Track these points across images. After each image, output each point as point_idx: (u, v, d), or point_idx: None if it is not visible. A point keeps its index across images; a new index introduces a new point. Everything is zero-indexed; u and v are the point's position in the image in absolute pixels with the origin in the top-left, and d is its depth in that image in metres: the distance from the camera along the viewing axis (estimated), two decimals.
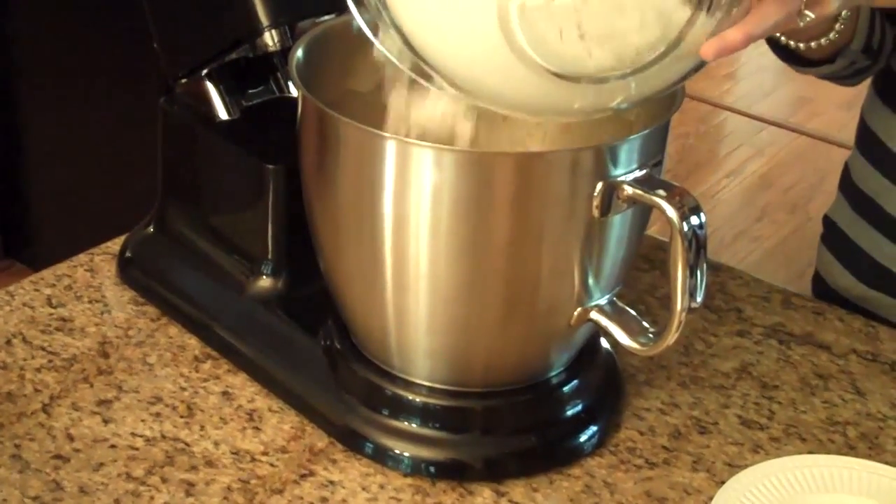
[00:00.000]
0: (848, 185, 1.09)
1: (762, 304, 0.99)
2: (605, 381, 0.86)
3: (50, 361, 0.87)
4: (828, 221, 1.12)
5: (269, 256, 0.89)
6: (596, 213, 0.73)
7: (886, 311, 1.05)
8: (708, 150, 3.28)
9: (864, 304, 1.06)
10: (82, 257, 0.98)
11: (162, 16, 0.92)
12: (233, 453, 0.80)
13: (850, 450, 0.85)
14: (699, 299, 0.73)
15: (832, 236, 1.11)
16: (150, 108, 0.94)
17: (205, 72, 0.90)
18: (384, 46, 0.72)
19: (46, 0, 2.18)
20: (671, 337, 0.74)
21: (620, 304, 0.80)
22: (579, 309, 0.78)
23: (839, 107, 3.45)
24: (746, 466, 0.81)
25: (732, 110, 3.46)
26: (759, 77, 3.60)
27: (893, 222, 1.03)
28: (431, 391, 0.81)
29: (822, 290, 1.12)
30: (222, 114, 0.90)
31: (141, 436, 0.81)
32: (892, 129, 1.02)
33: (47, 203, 2.36)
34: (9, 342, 0.88)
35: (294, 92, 0.89)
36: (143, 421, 0.82)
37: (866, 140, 1.06)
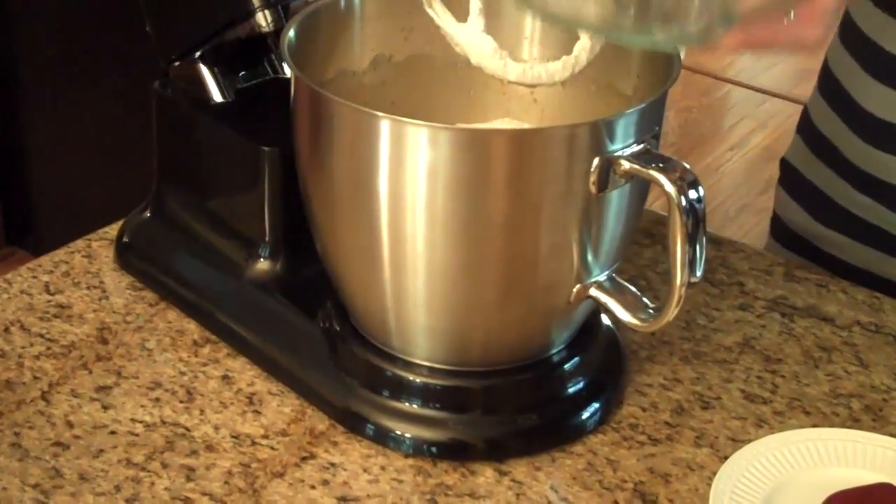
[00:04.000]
0: (806, 127, 1.11)
1: (764, 277, 0.98)
2: (607, 358, 0.86)
3: (48, 348, 0.87)
4: (784, 163, 1.14)
5: (267, 239, 0.88)
6: (593, 188, 0.73)
7: (839, 251, 1.06)
8: (711, 124, 3.27)
9: (818, 242, 1.08)
10: (80, 243, 0.97)
11: None
12: (233, 437, 0.80)
13: (854, 422, 0.84)
14: (699, 274, 0.73)
15: (789, 177, 1.13)
16: (148, 93, 0.93)
17: (198, 54, 0.89)
18: None
19: None
20: (671, 312, 0.74)
21: (620, 280, 0.79)
22: (578, 286, 0.77)
23: None
24: (750, 441, 0.80)
25: (735, 83, 3.45)
26: None
27: (848, 163, 1.04)
28: (432, 371, 0.80)
29: (780, 230, 1.14)
30: (216, 96, 0.90)
31: (141, 421, 0.81)
32: (853, 77, 1.03)
33: (48, 190, 2.37)
34: (7, 330, 0.88)
35: (288, 73, 0.89)
36: (142, 406, 0.82)
37: (828, 84, 1.07)
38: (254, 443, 0.79)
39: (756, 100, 3.36)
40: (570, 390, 0.82)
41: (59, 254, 0.96)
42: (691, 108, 3.29)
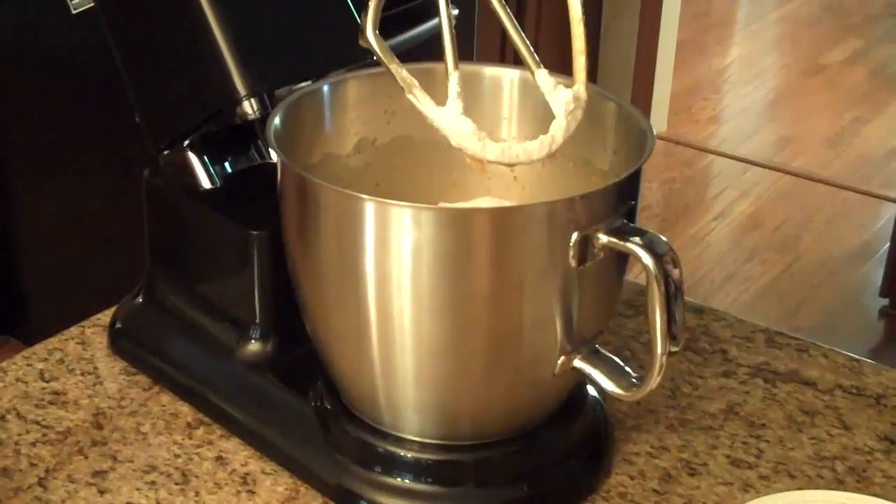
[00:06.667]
0: None
1: (746, 344, 1.00)
2: (594, 428, 0.87)
3: (44, 435, 0.88)
4: None
5: (257, 321, 0.90)
6: (573, 263, 0.75)
7: None
8: (695, 194, 3.30)
9: None
10: (74, 330, 0.99)
11: (142, 89, 0.93)
12: None
13: (839, 484, 0.85)
14: (679, 342, 0.74)
15: None
16: (138, 181, 0.95)
17: (187, 142, 0.91)
18: None
19: (35, 79, 2.21)
20: (654, 381, 0.76)
21: (603, 350, 0.81)
22: (563, 358, 0.79)
23: (822, 145, 3.48)
24: None
25: (717, 153, 3.49)
26: (741, 119, 3.63)
27: None
28: (423, 446, 0.81)
29: None
30: (205, 183, 0.92)
31: None
32: None
33: (41, 279, 2.37)
34: (3, 418, 0.89)
35: (275, 158, 0.91)
36: (138, 489, 0.83)
37: None
38: None
39: (738, 169, 3.40)
40: (559, 461, 0.84)
41: (54, 341, 0.98)
42: (674, 179, 3.33)
